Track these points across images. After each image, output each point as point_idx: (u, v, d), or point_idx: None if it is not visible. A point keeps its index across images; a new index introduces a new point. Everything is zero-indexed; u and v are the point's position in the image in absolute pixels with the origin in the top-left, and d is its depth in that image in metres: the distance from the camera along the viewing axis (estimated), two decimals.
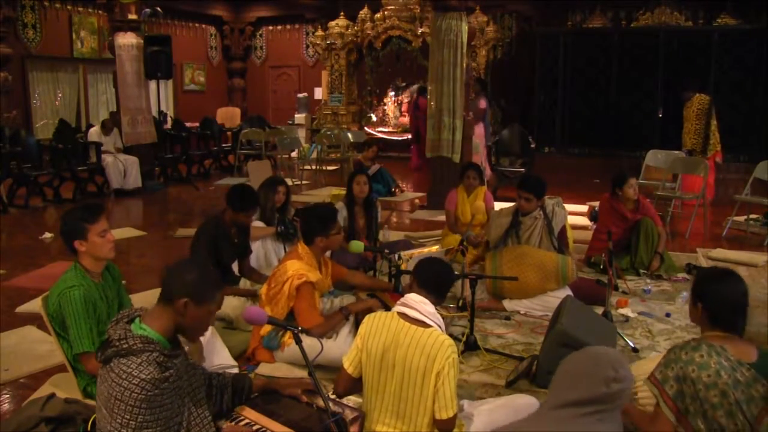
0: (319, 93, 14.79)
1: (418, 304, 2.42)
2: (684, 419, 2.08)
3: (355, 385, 2.55)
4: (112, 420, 1.89)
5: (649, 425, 2.22)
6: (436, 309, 2.49)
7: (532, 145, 9.36)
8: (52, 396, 2.54)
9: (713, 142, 7.58)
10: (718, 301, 2.15)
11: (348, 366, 2.51)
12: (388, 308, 3.52)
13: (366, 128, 13.33)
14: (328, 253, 4.19)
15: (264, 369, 3.31)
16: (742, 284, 2.18)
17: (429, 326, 2.38)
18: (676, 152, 7.74)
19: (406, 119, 13.43)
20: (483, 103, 9.60)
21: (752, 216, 6.81)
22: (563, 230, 4.56)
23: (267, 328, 3.32)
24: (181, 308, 2.00)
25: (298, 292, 3.26)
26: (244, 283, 4.29)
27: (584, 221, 6.97)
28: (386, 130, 13.78)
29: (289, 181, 9.74)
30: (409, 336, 2.35)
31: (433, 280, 2.52)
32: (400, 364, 2.34)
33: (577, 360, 1.90)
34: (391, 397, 2.39)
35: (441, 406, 2.30)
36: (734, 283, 2.18)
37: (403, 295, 2.57)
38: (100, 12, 12.26)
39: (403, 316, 2.42)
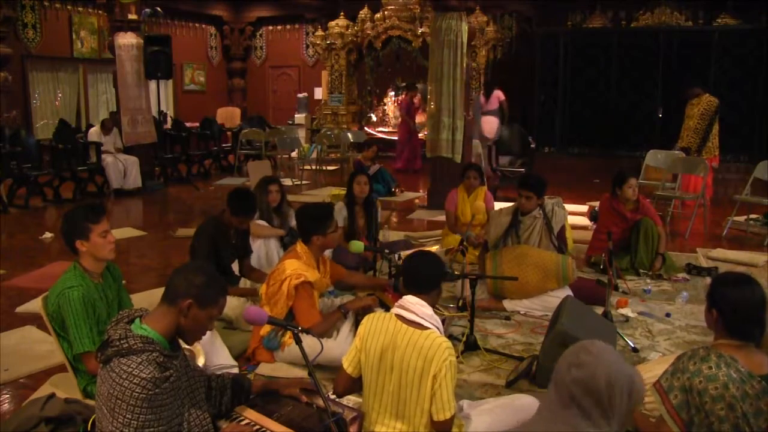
0: (319, 93, 14.79)
1: (414, 306, 2.40)
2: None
3: (354, 385, 2.55)
4: (113, 419, 1.89)
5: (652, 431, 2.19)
6: (436, 310, 2.48)
7: (532, 145, 9.36)
8: (52, 396, 2.54)
9: (710, 146, 7.55)
10: (734, 309, 2.06)
11: (347, 366, 2.51)
12: (386, 307, 3.52)
13: (366, 128, 13.33)
14: (327, 253, 4.19)
15: (264, 369, 3.32)
16: (759, 291, 2.08)
17: (426, 328, 2.37)
18: (675, 152, 7.74)
19: None
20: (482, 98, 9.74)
21: (752, 216, 6.81)
22: (563, 230, 4.57)
23: (267, 328, 3.32)
24: (185, 309, 2.01)
25: (297, 291, 3.26)
26: (244, 283, 4.28)
27: (584, 221, 6.97)
28: (386, 130, 13.77)
29: (289, 182, 9.81)
30: (406, 338, 2.34)
31: (413, 277, 2.46)
32: (398, 365, 2.34)
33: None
34: (389, 397, 2.39)
35: (438, 408, 2.29)
36: (751, 289, 2.08)
37: (402, 295, 2.57)
38: (100, 12, 12.25)
39: (401, 318, 2.41)
